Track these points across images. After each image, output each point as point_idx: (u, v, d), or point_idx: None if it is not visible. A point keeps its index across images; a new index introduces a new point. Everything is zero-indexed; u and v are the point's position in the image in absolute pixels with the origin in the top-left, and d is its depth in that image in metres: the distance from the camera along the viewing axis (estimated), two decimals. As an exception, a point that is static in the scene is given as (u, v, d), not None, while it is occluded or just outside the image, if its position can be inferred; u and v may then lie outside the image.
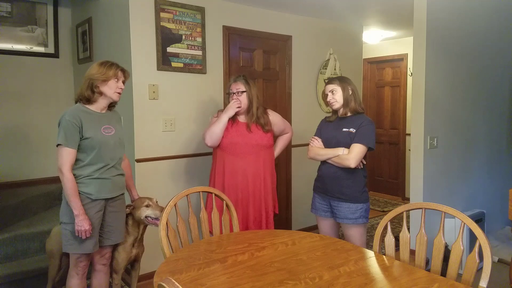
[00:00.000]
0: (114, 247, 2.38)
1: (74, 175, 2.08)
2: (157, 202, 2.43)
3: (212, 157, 2.80)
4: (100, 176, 2.14)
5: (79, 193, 2.08)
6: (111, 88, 2.13)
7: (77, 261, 2.16)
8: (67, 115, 2.06)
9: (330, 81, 2.45)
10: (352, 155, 2.25)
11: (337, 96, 2.39)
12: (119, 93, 2.18)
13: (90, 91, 2.12)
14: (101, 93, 2.13)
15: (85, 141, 2.09)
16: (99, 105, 2.17)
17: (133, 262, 2.53)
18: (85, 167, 2.11)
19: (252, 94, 2.67)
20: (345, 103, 2.39)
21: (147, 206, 2.37)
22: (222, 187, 2.64)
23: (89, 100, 2.14)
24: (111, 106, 2.26)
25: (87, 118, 2.11)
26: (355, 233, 2.35)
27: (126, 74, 2.20)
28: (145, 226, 2.47)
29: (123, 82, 2.20)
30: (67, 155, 2.04)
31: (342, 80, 2.42)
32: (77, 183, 2.10)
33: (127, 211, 2.40)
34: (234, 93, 2.65)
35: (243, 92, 2.64)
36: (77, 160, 2.10)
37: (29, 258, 3.00)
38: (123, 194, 2.33)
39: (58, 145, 2.06)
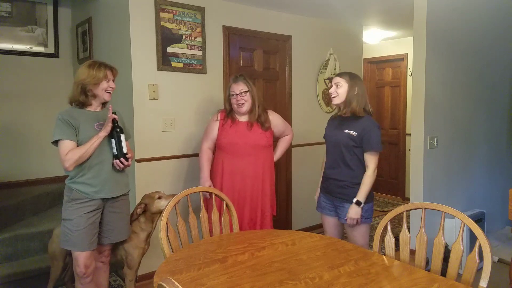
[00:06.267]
0: (128, 243, 2.40)
1: (70, 175, 2.12)
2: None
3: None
4: (96, 175, 2.14)
5: (76, 191, 2.10)
6: (102, 90, 2.16)
7: (77, 259, 2.16)
8: (60, 114, 2.11)
9: (340, 74, 2.38)
10: (371, 169, 2.29)
11: (340, 90, 2.32)
12: (109, 93, 2.21)
13: (84, 95, 2.15)
14: (94, 96, 2.17)
15: (79, 138, 2.10)
16: (93, 106, 2.21)
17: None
18: (81, 166, 2.10)
19: (254, 92, 2.67)
20: (347, 102, 2.32)
21: (159, 198, 2.44)
22: (220, 187, 2.63)
23: (83, 104, 2.17)
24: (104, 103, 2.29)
25: (80, 117, 2.14)
26: (357, 232, 2.34)
27: (114, 72, 2.23)
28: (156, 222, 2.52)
29: (113, 80, 2.23)
30: (67, 147, 2.05)
31: (352, 78, 2.33)
32: (73, 183, 2.12)
33: (139, 212, 2.42)
34: (238, 94, 2.62)
35: (246, 92, 2.64)
36: None
37: (29, 258, 3.00)
38: (126, 194, 2.33)
39: (56, 141, 2.08)
